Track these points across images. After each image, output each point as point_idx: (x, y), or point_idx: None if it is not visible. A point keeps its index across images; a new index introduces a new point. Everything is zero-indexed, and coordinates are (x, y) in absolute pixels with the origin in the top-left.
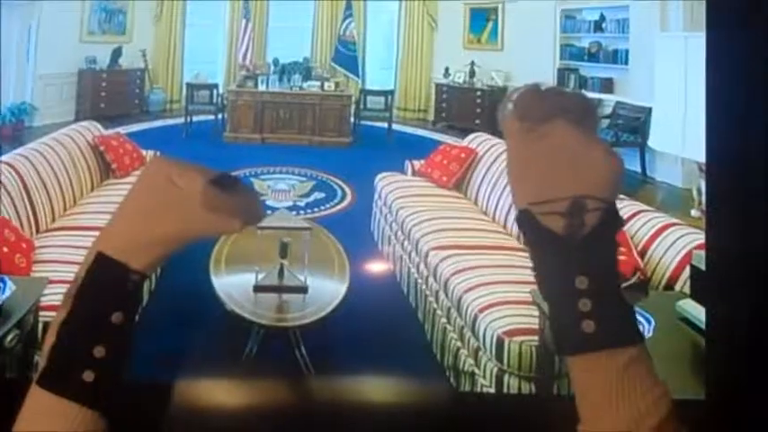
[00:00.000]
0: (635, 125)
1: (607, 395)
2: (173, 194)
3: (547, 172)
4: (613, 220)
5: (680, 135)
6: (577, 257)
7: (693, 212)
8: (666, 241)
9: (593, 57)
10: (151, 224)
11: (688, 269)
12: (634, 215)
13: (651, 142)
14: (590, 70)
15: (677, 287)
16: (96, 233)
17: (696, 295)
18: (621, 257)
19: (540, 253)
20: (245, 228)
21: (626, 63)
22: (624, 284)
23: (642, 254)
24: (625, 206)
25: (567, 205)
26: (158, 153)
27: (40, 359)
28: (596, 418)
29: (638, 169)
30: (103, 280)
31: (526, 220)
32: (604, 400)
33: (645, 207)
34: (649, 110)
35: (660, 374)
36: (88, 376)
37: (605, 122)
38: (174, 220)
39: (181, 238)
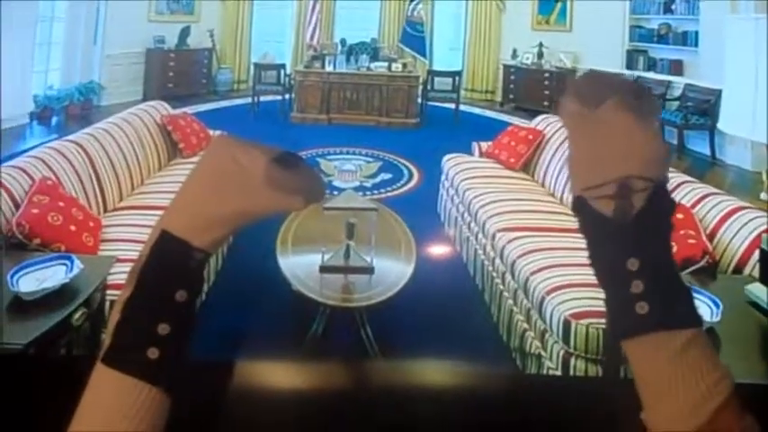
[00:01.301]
0: (704, 108)
1: (665, 379)
2: (236, 173)
3: (599, 156)
4: (663, 201)
5: (750, 118)
6: (628, 240)
7: (763, 195)
8: (735, 225)
9: (662, 38)
10: (214, 202)
11: (757, 253)
12: (703, 198)
13: (721, 125)
14: (659, 52)
15: (746, 271)
16: (163, 212)
17: (765, 279)
18: (690, 240)
19: (592, 237)
20: (308, 206)
21: (696, 45)
22: (692, 268)
23: (711, 237)
24: (694, 189)
25: (616, 187)
26: (225, 133)
27: (106, 337)
28: (656, 404)
29: (708, 152)
30: (167, 258)
31: (580, 206)
32: (663, 384)
33: (714, 190)
34: (719, 92)
35: (728, 358)
36: (152, 353)
37: (674, 105)
38: (236, 198)
39: (244, 216)
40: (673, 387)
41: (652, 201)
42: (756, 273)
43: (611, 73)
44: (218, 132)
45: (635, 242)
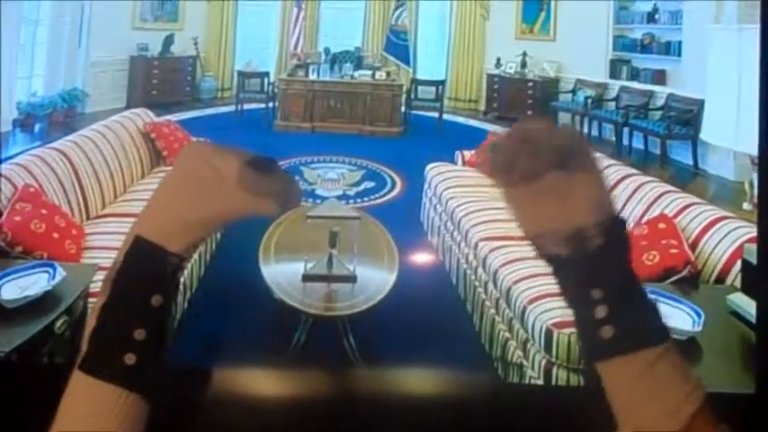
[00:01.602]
0: (687, 117)
1: (635, 396)
2: (209, 176)
3: (541, 211)
4: (616, 231)
5: (733, 128)
6: (588, 274)
7: (745, 206)
8: (718, 234)
9: (645, 48)
10: (188, 206)
11: (739, 263)
12: (685, 208)
13: (703, 135)
14: (642, 62)
15: (728, 281)
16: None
17: (747, 289)
18: (672, 250)
19: (555, 273)
20: (284, 211)
21: (679, 55)
22: (674, 277)
23: (693, 247)
24: (676, 199)
25: (567, 235)
26: (209, 141)
27: (82, 343)
28: (628, 420)
29: (691, 162)
30: (142, 263)
31: (537, 248)
32: (632, 401)
33: (696, 200)
34: (702, 102)
35: (709, 367)
36: (129, 359)
37: (657, 114)
38: (210, 201)
39: (217, 219)
40: (643, 403)
41: (606, 236)
42: (738, 283)
43: (539, 128)
44: (201, 140)
45: (596, 274)
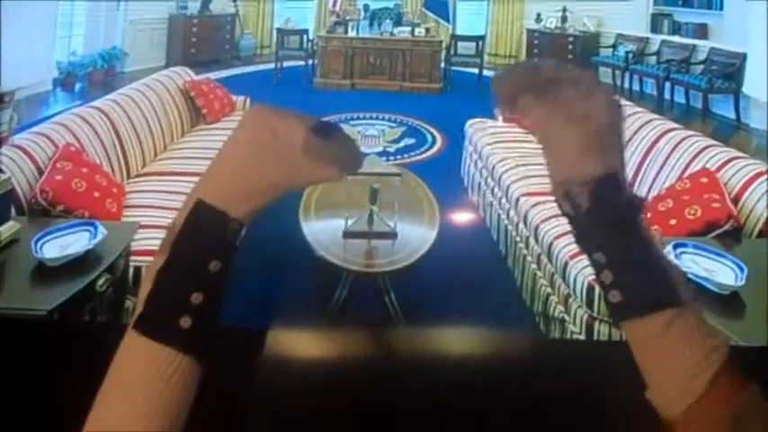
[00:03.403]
0: (729, 71)
1: (652, 359)
2: (273, 142)
3: (553, 156)
4: (612, 193)
5: None
6: (589, 235)
7: None
8: (760, 188)
9: (687, 2)
10: (252, 173)
11: None
12: (727, 162)
13: (745, 88)
14: (684, 15)
15: None
16: (186, 178)
17: None
18: (715, 204)
19: (572, 232)
20: (344, 176)
21: (721, 8)
22: (717, 232)
23: (735, 201)
24: (719, 153)
25: (562, 190)
26: (248, 99)
27: (137, 304)
28: (652, 382)
29: (733, 116)
30: (202, 228)
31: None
32: (650, 363)
33: (738, 154)
34: (744, 56)
35: (752, 321)
36: (185, 322)
37: (699, 68)
38: (274, 168)
39: (281, 186)
40: (661, 365)
41: (597, 198)
42: None
43: (545, 62)
44: (241, 98)
45: (595, 238)
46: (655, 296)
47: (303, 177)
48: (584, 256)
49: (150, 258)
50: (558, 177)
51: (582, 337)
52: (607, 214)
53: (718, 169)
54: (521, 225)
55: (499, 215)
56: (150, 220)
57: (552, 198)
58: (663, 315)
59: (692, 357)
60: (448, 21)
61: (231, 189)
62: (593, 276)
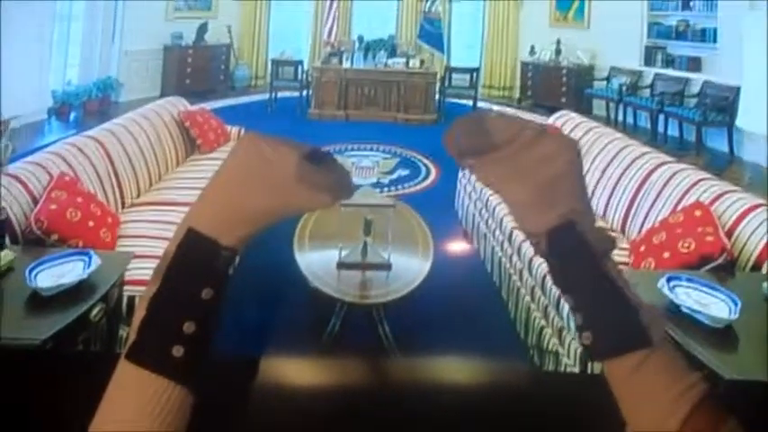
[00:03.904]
0: (723, 104)
1: (627, 398)
2: (265, 170)
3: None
4: (569, 240)
5: None
6: (557, 278)
7: None
8: (754, 222)
9: (681, 35)
10: (243, 200)
11: None
12: (721, 195)
13: (739, 122)
14: (678, 48)
15: (765, 268)
16: (181, 208)
17: None
18: (708, 238)
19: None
20: (336, 203)
21: (714, 42)
22: (711, 265)
23: (729, 234)
24: (712, 186)
25: (536, 240)
26: (243, 129)
27: (130, 333)
28: (629, 419)
29: (726, 149)
30: (194, 256)
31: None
32: (627, 401)
33: (732, 187)
34: (737, 89)
35: (746, 355)
36: (177, 351)
37: (693, 101)
38: (266, 195)
39: (273, 213)
40: (637, 404)
41: (555, 247)
42: None
43: (490, 115)
44: (236, 128)
45: (562, 281)
46: (624, 338)
47: (295, 205)
48: None
49: (144, 288)
50: (518, 226)
51: (576, 370)
52: (569, 260)
53: (712, 202)
54: (515, 257)
55: (493, 247)
56: (145, 249)
57: None
58: (633, 356)
59: (666, 395)
60: (443, 52)
61: (223, 217)
62: None
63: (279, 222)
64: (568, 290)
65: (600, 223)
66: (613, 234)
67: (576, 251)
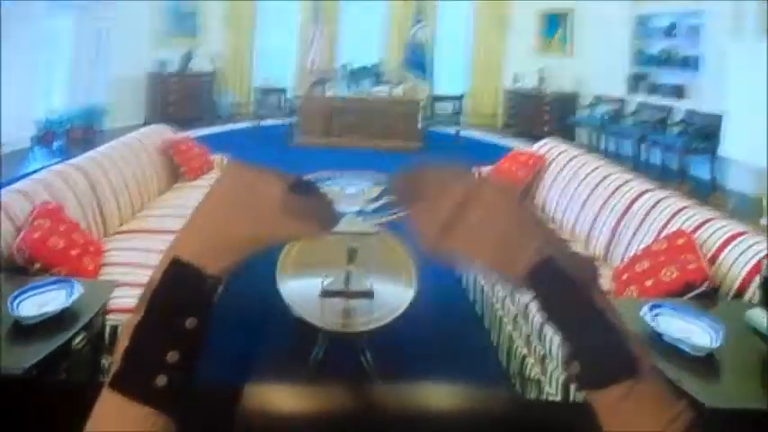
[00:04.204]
0: (706, 132)
1: (613, 426)
2: (250, 199)
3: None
4: (544, 278)
5: (752, 142)
6: (542, 310)
7: (763, 221)
8: (737, 250)
9: (664, 63)
10: (228, 229)
11: (758, 278)
12: (704, 223)
13: (722, 150)
14: (661, 76)
15: (747, 296)
16: (164, 236)
17: (766, 304)
18: (691, 266)
19: None
20: (321, 233)
21: (697, 69)
22: (693, 293)
23: (712, 262)
24: (695, 214)
25: (515, 282)
26: (227, 157)
27: (113, 362)
28: None
29: (709, 177)
30: (179, 285)
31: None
32: (612, 429)
33: (715, 215)
34: (721, 117)
35: (728, 383)
36: (161, 380)
37: (676, 129)
38: (251, 224)
39: (257, 242)
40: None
41: (532, 287)
42: (757, 298)
43: (429, 166)
44: (219, 156)
45: (548, 313)
46: (612, 368)
47: (280, 234)
48: None
49: (128, 316)
50: (496, 281)
51: (558, 399)
52: (549, 296)
53: (695, 230)
54: (497, 286)
55: (476, 276)
56: (128, 277)
57: None
58: (620, 387)
59: (653, 425)
60: (426, 80)
61: (208, 245)
62: None
63: (263, 251)
64: (555, 323)
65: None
66: (596, 261)
67: (558, 286)
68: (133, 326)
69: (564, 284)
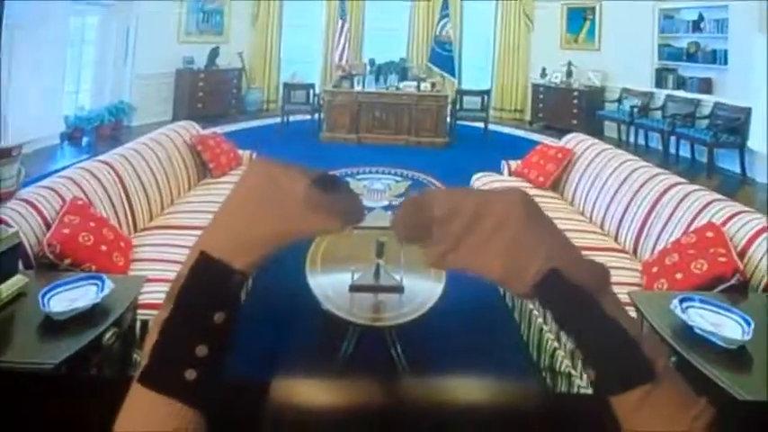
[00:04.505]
0: (734, 125)
1: (637, 428)
2: (275, 194)
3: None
4: (552, 289)
5: None
6: (560, 321)
7: None
8: (766, 243)
9: (691, 57)
10: (254, 224)
11: None
12: (733, 216)
13: (751, 143)
14: (688, 70)
15: None
16: (193, 232)
17: None
18: (721, 259)
19: None
20: (346, 228)
21: (725, 63)
22: (723, 286)
23: (741, 255)
24: (724, 207)
25: (527, 290)
26: (255, 153)
27: (142, 357)
28: None
29: (738, 170)
30: (206, 279)
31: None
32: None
33: (744, 208)
34: (749, 110)
35: (759, 376)
36: (190, 374)
37: (704, 123)
38: (276, 219)
39: (283, 237)
40: None
41: (540, 296)
42: None
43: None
44: (248, 152)
45: (559, 321)
46: (627, 374)
47: (304, 228)
48: None
49: (157, 312)
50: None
51: (589, 392)
52: (563, 306)
53: (724, 223)
54: None
55: None
56: (157, 273)
57: None
58: (636, 392)
59: (676, 426)
60: (453, 75)
61: (233, 240)
62: None
63: (290, 245)
64: (566, 330)
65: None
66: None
67: (566, 296)
68: (162, 321)
69: (573, 294)
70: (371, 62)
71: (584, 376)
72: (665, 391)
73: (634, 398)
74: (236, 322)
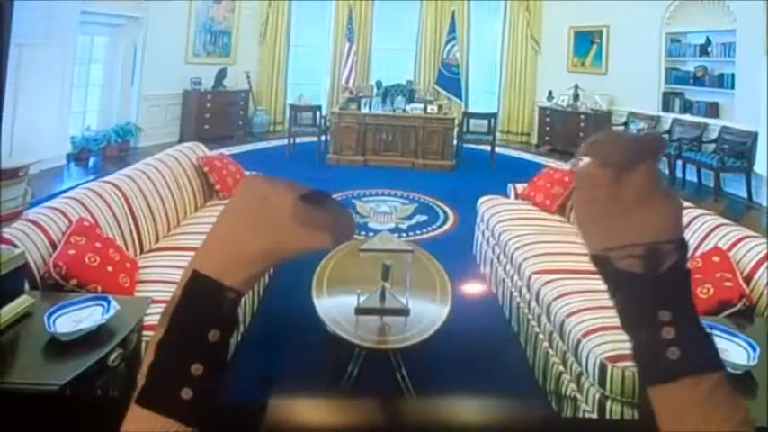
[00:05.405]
0: (741, 150)
1: (693, 423)
2: (265, 211)
3: (622, 218)
4: (684, 253)
5: None
6: (660, 294)
7: None
8: None
9: (698, 81)
10: (244, 241)
11: None
12: (739, 241)
13: (757, 167)
14: (695, 94)
15: None
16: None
17: None
18: (727, 283)
19: (620, 291)
20: (337, 244)
21: (732, 87)
22: (729, 311)
23: (748, 280)
24: (730, 232)
25: (645, 250)
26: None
27: (140, 377)
28: None
29: (744, 194)
30: (199, 298)
31: (602, 263)
32: (690, 427)
33: (750, 233)
34: (755, 135)
35: (765, 401)
36: (186, 393)
37: (711, 147)
38: (266, 236)
39: (274, 254)
40: (698, 428)
41: (678, 257)
42: None
43: (628, 134)
44: (254, 173)
45: (666, 295)
46: (708, 356)
47: (293, 244)
48: (597, 334)
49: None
50: (639, 239)
51: (594, 416)
52: (683, 273)
53: (730, 248)
54: (533, 302)
55: (511, 292)
56: (163, 295)
57: (565, 275)
58: (712, 377)
59: (726, 425)
60: (460, 98)
61: (225, 258)
62: (606, 355)
63: (287, 262)
64: (666, 303)
65: None
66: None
67: (679, 264)
68: (157, 341)
69: (680, 269)
70: (378, 84)
71: (590, 399)
72: (727, 384)
73: (710, 382)
74: (230, 340)
